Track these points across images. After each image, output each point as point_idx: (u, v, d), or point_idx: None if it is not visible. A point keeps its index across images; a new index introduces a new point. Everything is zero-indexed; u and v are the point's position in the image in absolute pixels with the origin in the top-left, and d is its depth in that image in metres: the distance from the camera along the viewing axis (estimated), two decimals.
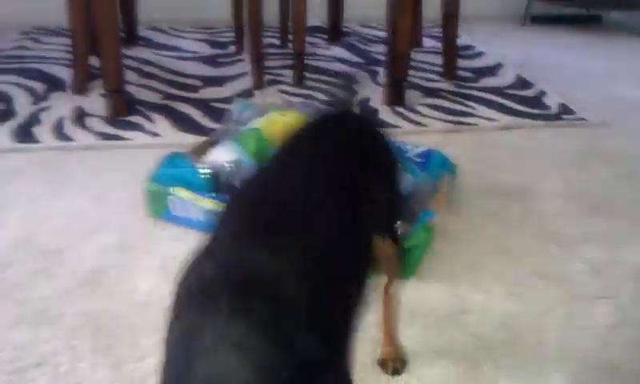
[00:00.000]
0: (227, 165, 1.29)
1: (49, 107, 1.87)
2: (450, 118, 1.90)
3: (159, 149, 1.56)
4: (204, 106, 1.93)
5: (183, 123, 1.79)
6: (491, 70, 2.38)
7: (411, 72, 2.09)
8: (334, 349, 0.53)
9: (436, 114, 1.92)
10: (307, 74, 2.17)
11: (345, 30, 2.80)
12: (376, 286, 0.80)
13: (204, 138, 1.54)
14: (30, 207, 1.32)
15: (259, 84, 2.08)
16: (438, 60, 2.32)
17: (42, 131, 1.70)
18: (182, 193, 1.23)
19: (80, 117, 1.80)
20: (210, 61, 2.39)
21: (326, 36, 2.75)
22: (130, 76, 2.10)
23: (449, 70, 2.26)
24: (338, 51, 2.57)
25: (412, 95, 2.04)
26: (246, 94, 2.03)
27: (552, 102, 2.06)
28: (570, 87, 2.22)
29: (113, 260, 1.14)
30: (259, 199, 0.66)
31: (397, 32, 1.87)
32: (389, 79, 1.98)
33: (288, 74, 2.20)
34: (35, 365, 0.89)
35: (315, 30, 2.77)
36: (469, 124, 1.86)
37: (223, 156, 1.32)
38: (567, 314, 1.03)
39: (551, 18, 3.28)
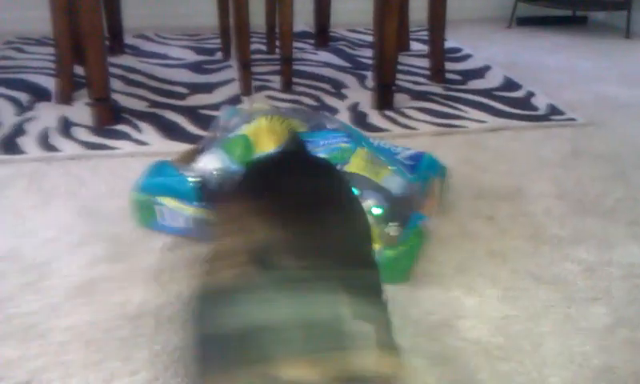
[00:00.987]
0: (215, 172, 1.27)
1: (34, 117, 1.85)
2: (439, 120, 1.89)
3: (146, 157, 1.54)
4: (191, 113, 1.91)
5: (170, 131, 1.78)
6: (479, 73, 2.39)
7: (399, 75, 2.08)
8: None
9: (425, 116, 1.92)
10: (295, 80, 2.16)
11: (332, 34, 2.79)
12: None
13: (191, 146, 1.52)
14: (15, 219, 1.30)
15: (247, 90, 2.07)
16: (426, 63, 2.32)
17: (27, 142, 1.68)
18: (170, 202, 1.21)
19: (65, 127, 1.78)
20: (197, 68, 2.37)
21: (313, 41, 2.74)
22: (116, 84, 2.08)
23: (437, 73, 2.26)
24: (325, 56, 2.56)
25: (401, 98, 2.04)
26: (234, 100, 2.01)
27: (540, 103, 2.06)
28: (558, 88, 2.23)
29: (102, 272, 1.12)
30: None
31: (384, 36, 1.87)
32: (377, 83, 1.97)
33: (276, 80, 2.19)
34: (25, 382, 0.87)
35: (302, 35, 2.77)
36: (458, 126, 1.85)
37: (211, 164, 1.31)
38: (563, 316, 1.03)
39: (537, 20, 3.30)
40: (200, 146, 1.45)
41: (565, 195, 1.45)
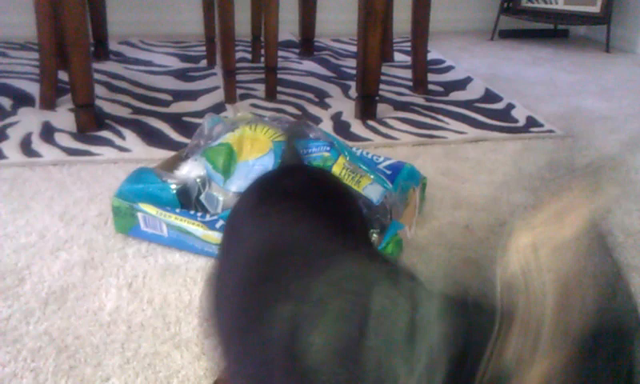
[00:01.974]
0: (196, 180, 1.29)
1: (16, 122, 1.84)
2: (420, 131, 1.92)
3: (129, 164, 1.55)
4: (175, 120, 1.92)
5: (153, 138, 1.78)
6: (460, 84, 2.42)
7: (382, 86, 2.10)
8: None
9: (406, 127, 1.94)
10: (279, 89, 2.18)
11: (317, 44, 2.82)
12: None
13: (174, 153, 1.53)
14: None
15: (231, 98, 2.08)
16: (409, 74, 2.34)
17: (9, 147, 1.68)
18: (150, 208, 1.22)
19: (48, 132, 1.78)
20: (181, 75, 2.38)
21: (297, 50, 2.76)
22: (100, 90, 2.09)
23: (419, 84, 2.29)
24: (309, 65, 2.58)
25: (383, 109, 2.06)
26: (218, 108, 2.02)
27: (520, 114, 2.09)
28: (538, 100, 2.27)
29: (77, 278, 1.12)
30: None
31: (368, 47, 1.89)
32: (360, 93, 1.99)
33: (260, 89, 2.20)
34: None
35: (287, 44, 2.79)
36: (438, 137, 1.88)
37: (192, 171, 1.32)
38: None
39: (519, 33, 3.35)
40: (183, 154, 1.46)
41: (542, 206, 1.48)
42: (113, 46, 2.63)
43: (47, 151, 1.66)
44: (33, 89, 2.09)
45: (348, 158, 1.33)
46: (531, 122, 2.03)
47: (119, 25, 2.70)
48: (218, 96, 2.13)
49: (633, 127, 2.05)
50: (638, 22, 3.10)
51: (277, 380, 0.46)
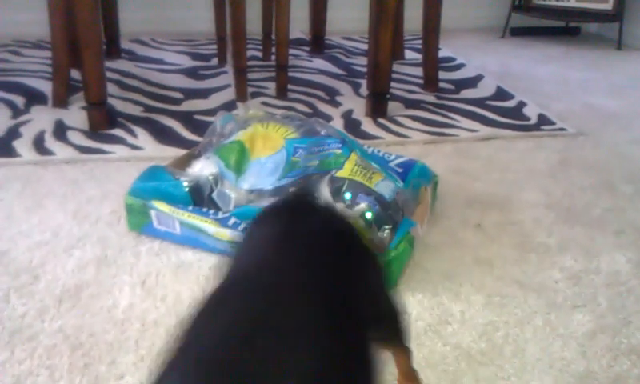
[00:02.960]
0: (209, 177, 1.29)
1: (29, 121, 1.86)
2: (432, 129, 1.91)
3: (141, 162, 1.56)
4: (186, 118, 1.93)
5: (165, 136, 1.79)
6: (472, 82, 2.41)
7: (393, 84, 2.10)
8: None
9: (417, 125, 1.94)
10: (290, 87, 2.18)
11: (327, 42, 2.82)
12: None
13: (186, 151, 1.53)
14: (7, 222, 1.31)
15: (242, 96, 2.09)
16: (419, 72, 2.34)
17: (22, 145, 1.69)
18: (162, 206, 1.23)
19: (61, 130, 1.80)
20: (193, 73, 2.39)
21: (308, 48, 2.76)
22: (112, 89, 2.10)
23: (430, 82, 2.28)
24: (320, 63, 2.58)
25: (394, 107, 2.06)
26: (229, 106, 2.03)
27: (531, 112, 2.09)
28: (550, 98, 2.26)
29: (91, 276, 1.13)
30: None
31: (379, 45, 1.89)
32: (371, 91, 1.99)
33: (271, 87, 2.21)
34: None
35: (298, 42, 2.79)
36: (450, 135, 1.87)
37: (205, 169, 1.32)
38: (546, 323, 1.04)
39: (530, 30, 3.34)
40: (195, 152, 1.46)
41: (553, 204, 1.47)
42: (124, 44, 2.64)
43: (60, 149, 1.68)
44: (45, 87, 2.10)
45: (359, 155, 1.33)
46: (543, 120, 2.02)
47: (131, 23, 2.71)
48: (229, 94, 2.14)
49: None
50: None
51: None
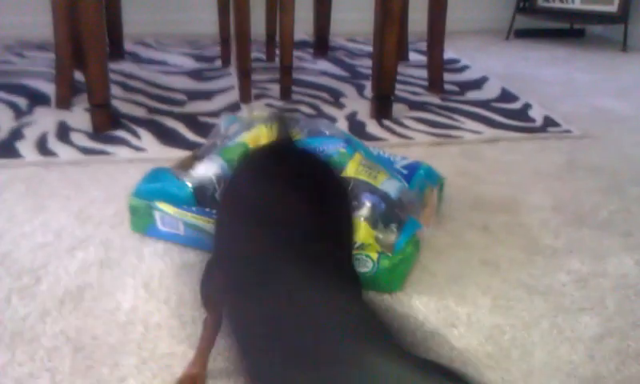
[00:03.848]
0: (213, 179, 1.28)
1: (32, 122, 1.86)
2: (437, 131, 1.90)
3: (145, 164, 1.55)
4: (190, 120, 1.92)
5: (169, 138, 1.78)
6: (476, 84, 2.40)
7: (398, 86, 2.09)
8: None
9: (422, 127, 1.93)
10: (294, 88, 2.17)
11: (331, 44, 2.81)
12: None
13: (190, 153, 1.53)
14: (10, 223, 1.30)
15: (246, 98, 2.08)
16: (424, 73, 2.33)
17: (25, 146, 1.69)
18: (167, 207, 1.22)
19: (64, 132, 1.79)
20: (197, 75, 2.39)
21: (312, 50, 2.76)
22: (116, 90, 2.10)
23: (435, 84, 2.27)
24: (324, 65, 2.58)
25: (398, 108, 2.05)
26: (233, 108, 2.02)
27: (537, 114, 2.07)
28: (555, 100, 2.24)
29: (94, 278, 1.12)
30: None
31: (384, 47, 1.88)
32: (376, 93, 1.98)
33: (275, 88, 2.20)
34: None
35: (302, 44, 2.79)
36: (455, 137, 1.86)
37: (209, 170, 1.31)
38: (553, 326, 1.03)
39: (535, 32, 3.32)
40: (199, 153, 1.46)
41: (560, 207, 1.46)
42: (128, 46, 2.64)
43: (63, 151, 1.67)
44: (49, 89, 2.10)
45: (364, 154, 1.32)
46: (548, 122, 2.01)
47: (134, 25, 2.71)
48: (233, 96, 2.13)
49: None
50: None
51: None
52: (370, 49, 2.06)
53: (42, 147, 1.69)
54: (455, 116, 2.03)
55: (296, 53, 2.52)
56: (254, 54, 2.49)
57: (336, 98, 2.18)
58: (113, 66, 2.30)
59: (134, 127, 1.84)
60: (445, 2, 2.16)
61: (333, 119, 1.96)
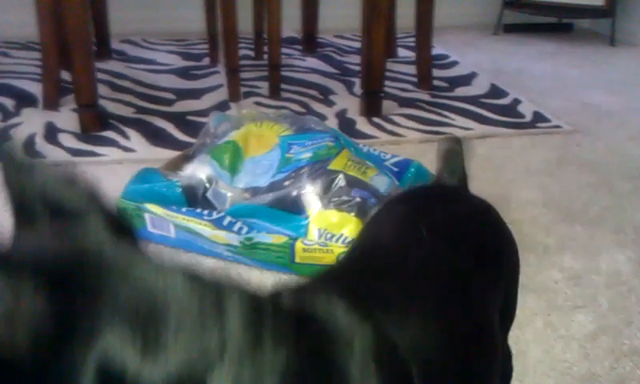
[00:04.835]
0: (203, 179, 1.27)
1: (19, 123, 1.83)
2: (426, 127, 1.90)
3: (134, 164, 1.53)
4: (179, 119, 1.90)
5: (158, 137, 1.77)
6: (466, 79, 2.40)
7: (387, 82, 2.09)
8: None
9: (412, 123, 1.93)
10: (283, 86, 2.16)
11: (320, 41, 2.80)
12: None
13: (179, 153, 1.51)
14: None
15: (235, 96, 2.07)
16: (413, 70, 2.32)
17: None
18: (156, 209, 1.21)
19: (52, 133, 1.77)
20: (185, 73, 2.37)
21: (300, 47, 2.74)
22: (103, 90, 2.07)
23: (424, 80, 2.27)
24: (313, 62, 2.56)
25: (388, 105, 2.05)
26: (222, 106, 2.01)
27: (526, 110, 2.08)
28: (544, 95, 2.25)
29: None
30: None
31: (372, 43, 1.87)
32: (364, 90, 1.98)
33: (263, 86, 2.18)
34: None
35: (290, 41, 2.77)
36: (445, 133, 1.86)
37: (199, 170, 1.30)
38: (546, 325, 1.03)
39: (523, 27, 3.32)
40: (189, 153, 1.44)
41: (551, 202, 1.46)
42: (115, 44, 2.61)
43: (51, 152, 1.65)
44: (35, 89, 2.07)
45: (352, 151, 1.32)
46: (538, 117, 2.01)
47: (121, 23, 2.68)
48: (222, 94, 2.12)
49: (639, 121, 2.03)
50: None
51: None
52: (358, 45, 2.06)
53: (30, 149, 1.66)
54: (445, 112, 2.03)
55: (284, 50, 2.51)
56: (242, 52, 2.47)
57: (325, 96, 2.17)
58: (100, 65, 2.27)
59: (123, 127, 1.82)
60: None
61: (322, 117, 1.95)
